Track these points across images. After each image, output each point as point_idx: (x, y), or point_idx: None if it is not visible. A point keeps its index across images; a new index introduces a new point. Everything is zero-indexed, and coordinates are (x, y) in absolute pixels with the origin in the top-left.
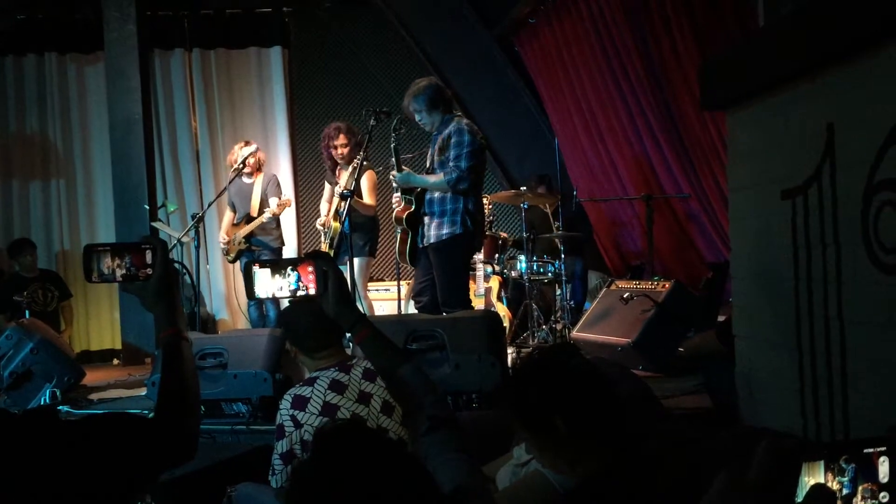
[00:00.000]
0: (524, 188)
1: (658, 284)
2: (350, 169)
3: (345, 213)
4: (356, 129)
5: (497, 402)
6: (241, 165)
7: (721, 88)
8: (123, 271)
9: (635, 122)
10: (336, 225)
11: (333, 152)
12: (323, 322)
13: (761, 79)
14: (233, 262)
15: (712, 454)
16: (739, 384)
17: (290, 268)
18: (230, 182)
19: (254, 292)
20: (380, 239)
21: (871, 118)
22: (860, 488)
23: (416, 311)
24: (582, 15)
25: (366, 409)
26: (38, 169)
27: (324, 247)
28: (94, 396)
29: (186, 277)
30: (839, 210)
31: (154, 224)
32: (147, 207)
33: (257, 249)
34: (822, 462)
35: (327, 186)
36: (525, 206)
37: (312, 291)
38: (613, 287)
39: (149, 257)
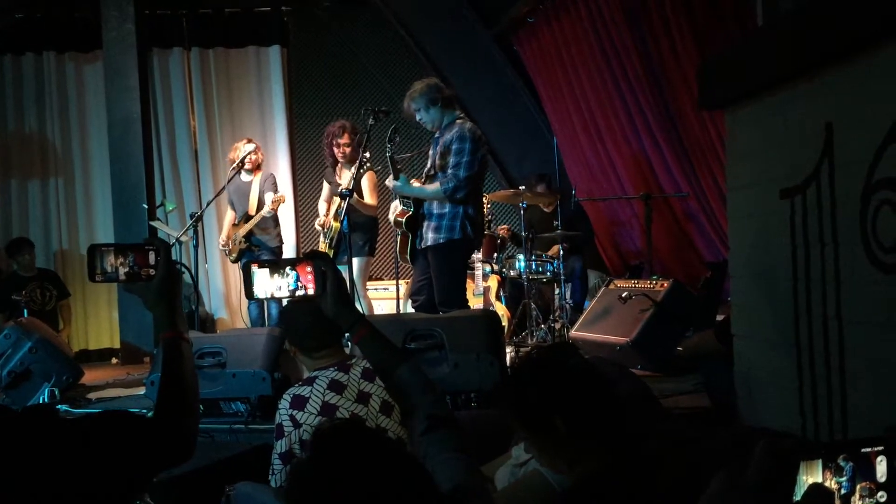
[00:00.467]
0: (523, 187)
1: (657, 284)
2: (352, 168)
3: (343, 212)
4: (360, 129)
5: (496, 401)
6: (242, 163)
7: (720, 88)
8: (127, 269)
9: (634, 121)
10: (337, 224)
11: (336, 150)
12: (322, 322)
13: (760, 78)
14: (235, 261)
15: (711, 454)
16: (738, 384)
17: (288, 268)
18: (229, 180)
19: (252, 292)
20: (379, 238)
21: (870, 117)
22: (858, 487)
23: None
24: (581, 14)
25: (365, 408)
26: (37, 168)
27: (322, 246)
28: (93, 395)
29: (187, 276)
30: (838, 209)
31: (153, 223)
32: (146, 206)
33: (257, 249)
34: (820, 461)
35: (326, 186)
36: (524, 206)
37: (311, 291)
38: (612, 286)
39: (152, 258)
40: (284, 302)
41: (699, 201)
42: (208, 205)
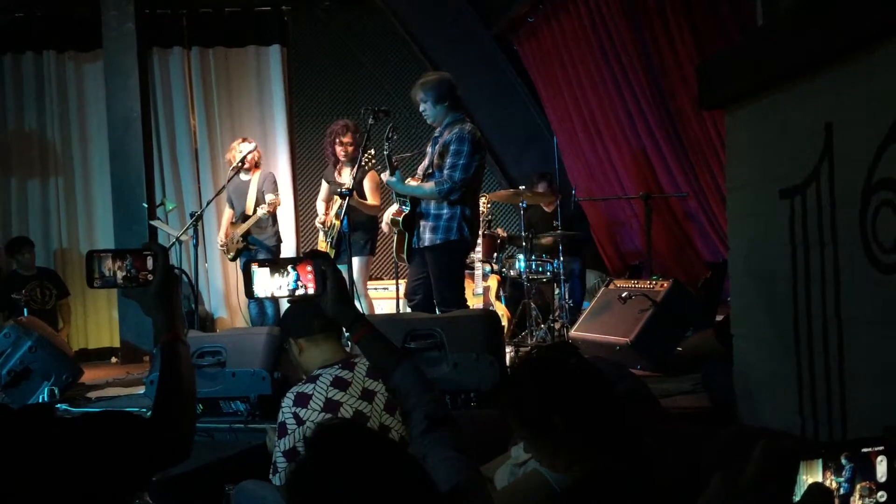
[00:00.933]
0: (523, 187)
1: (656, 284)
2: (354, 167)
3: (343, 211)
4: (362, 129)
5: (495, 401)
6: (241, 163)
7: (719, 87)
8: (125, 274)
9: (634, 121)
10: (339, 223)
11: (339, 149)
12: (324, 316)
13: (760, 78)
14: (233, 260)
15: (710, 453)
16: (737, 383)
17: (289, 267)
18: (229, 180)
19: (252, 291)
20: (379, 237)
21: (870, 117)
22: (858, 487)
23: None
24: (581, 14)
25: (369, 406)
26: (37, 167)
27: (322, 245)
28: (92, 395)
29: (185, 279)
30: (837, 209)
31: (153, 222)
32: (145, 205)
33: (254, 248)
34: (819, 461)
35: (324, 185)
36: (524, 206)
37: (311, 291)
38: (612, 286)
39: (150, 263)
40: (284, 302)
41: (699, 201)
42: (208, 204)
